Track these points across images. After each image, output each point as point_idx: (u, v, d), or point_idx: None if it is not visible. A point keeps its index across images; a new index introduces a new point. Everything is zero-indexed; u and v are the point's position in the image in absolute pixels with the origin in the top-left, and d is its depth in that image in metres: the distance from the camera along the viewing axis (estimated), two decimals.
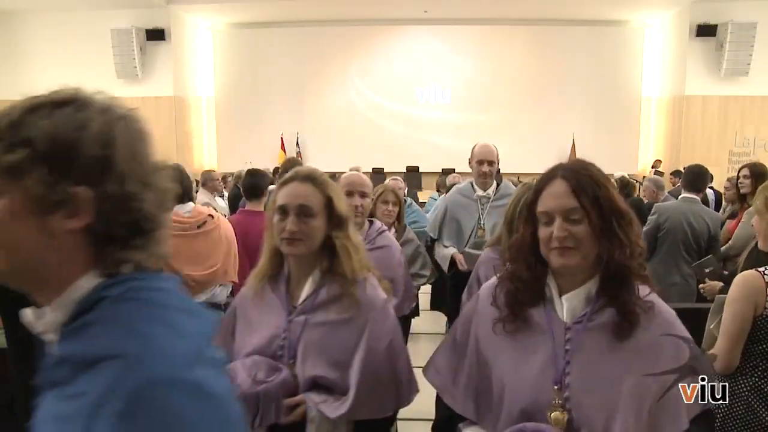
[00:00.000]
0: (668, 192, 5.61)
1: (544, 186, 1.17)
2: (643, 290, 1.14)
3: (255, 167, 4.01)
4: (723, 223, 5.19)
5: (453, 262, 3.22)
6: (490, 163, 3.21)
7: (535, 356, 1.16)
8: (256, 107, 11.74)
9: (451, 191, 3.58)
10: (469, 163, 3.30)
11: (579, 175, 1.15)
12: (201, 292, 2.83)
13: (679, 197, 4.03)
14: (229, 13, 11.20)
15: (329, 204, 1.41)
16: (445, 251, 3.30)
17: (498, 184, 3.27)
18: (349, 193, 2.27)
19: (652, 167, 10.04)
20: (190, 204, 2.93)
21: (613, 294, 1.12)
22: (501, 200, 3.12)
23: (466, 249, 3.16)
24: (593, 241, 1.10)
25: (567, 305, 1.16)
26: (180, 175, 2.96)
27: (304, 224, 1.38)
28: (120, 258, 0.66)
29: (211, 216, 2.91)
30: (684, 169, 4.53)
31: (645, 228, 3.98)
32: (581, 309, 1.15)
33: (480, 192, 3.24)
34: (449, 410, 1.27)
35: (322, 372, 1.36)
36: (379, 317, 1.40)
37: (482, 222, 3.17)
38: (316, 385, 1.37)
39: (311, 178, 1.44)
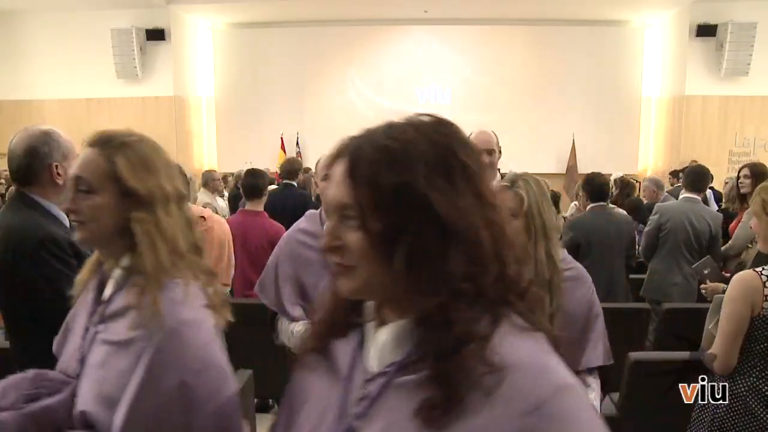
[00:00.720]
0: (667, 192, 5.62)
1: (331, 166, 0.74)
2: (499, 340, 0.66)
3: (255, 167, 4.01)
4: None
5: None
6: (490, 152, 2.71)
7: (322, 418, 0.75)
8: (256, 107, 11.73)
9: None
10: None
11: (369, 148, 0.68)
12: None
13: (680, 197, 4.03)
14: (229, 13, 11.19)
15: (115, 175, 1.06)
16: None
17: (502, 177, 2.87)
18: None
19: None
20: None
21: (431, 344, 0.67)
22: None
23: None
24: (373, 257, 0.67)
25: (378, 345, 0.73)
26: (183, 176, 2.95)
27: (82, 201, 1.07)
28: None
29: (203, 218, 2.87)
30: (685, 169, 4.53)
31: (646, 228, 3.98)
32: (392, 354, 0.71)
33: None
34: None
35: (91, 407, 1.00)
36: (168, 344, 0.97)
37: None
38: (87, 423, 1.00)
39: (101, 142, 1.09)
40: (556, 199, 5.54)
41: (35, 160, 1.74)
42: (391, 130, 0.69)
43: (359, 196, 0.66)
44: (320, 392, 0.78)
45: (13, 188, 1.88)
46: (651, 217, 4.00)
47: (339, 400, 0.74)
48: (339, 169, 0.70)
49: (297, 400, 0.82)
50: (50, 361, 1.71)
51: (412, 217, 0.65)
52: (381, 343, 0.73)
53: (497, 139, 2.79)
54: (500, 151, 2.76)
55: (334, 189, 0.69)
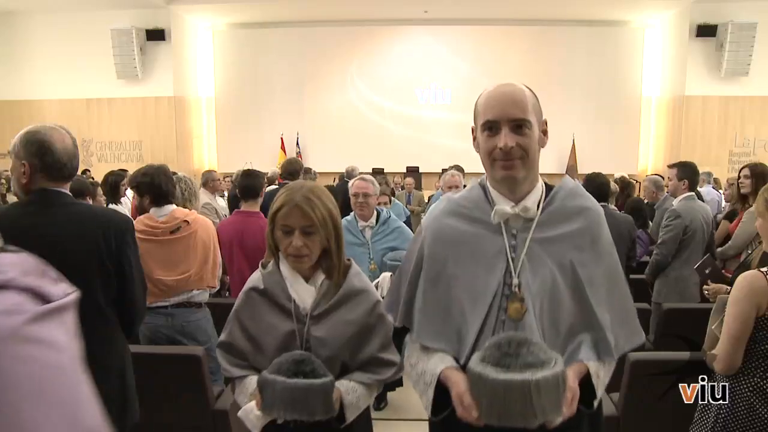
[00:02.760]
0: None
1: None
2: None
3: (254, 167, 4.01)
4: (719, 223, 5.21)
5: (445, 392, 1.26)
6: (518, 124, 1.29)
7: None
8: (256, 107, 11.74)
9: (434, 209, 1.48)
10: (474, 138, 1.39)
11: None
12: (174, 296, 2.81)
13: (681, 197, 3.93)
14: (229, 13, 11.20)
15: None
16: (427, 363, 1.34)
17: (547, 186, 1.40)
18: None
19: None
20: (169, 207, 2.85)
21: None
22: (561, 226, 1.35)
23: (475, 366, 1.19)
24: None
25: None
26: (159, 176, 2.86)
27: None
28: None
29: (187, 221, 2.82)
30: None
31: (670, 233, 3.71)
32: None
33: (504, 206, 1.34)
34: None
35: None
36: None
37: (515, 278, 1.31)
38: None
39: None
40: None
41: (78, 157, 1.85)
42: None
43: None
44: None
45: (12, 189, 1.90)
46: (671, 222, 3.70)
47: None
48: None
49: None
50: (111, 347, 1.82)
51: None
52: None
53: (534, 101, 1.33)
54: (545, 131, 1.37)
55: None
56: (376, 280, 2.90)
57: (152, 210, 2.85)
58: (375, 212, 3.26)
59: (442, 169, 8.93)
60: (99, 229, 1.76)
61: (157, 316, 2.83)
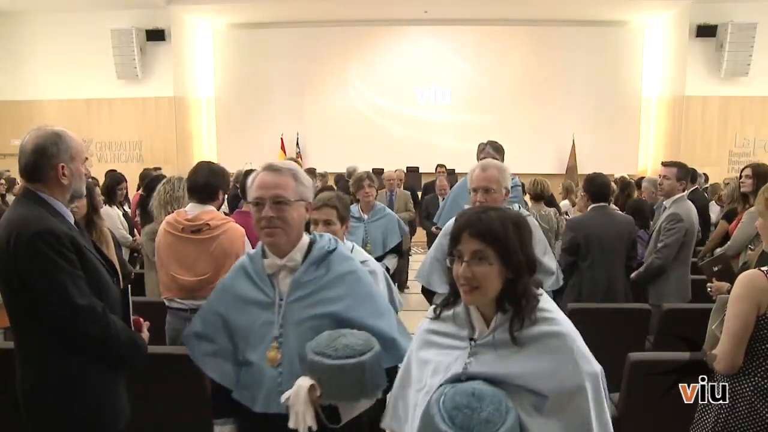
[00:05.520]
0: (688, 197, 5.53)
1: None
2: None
3: (254, 168, 3.99)
4: (717, 223, 5.19)
5: None
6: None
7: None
8: (256, 107, 11.74)
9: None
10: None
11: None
12: (193, 297, 2.73)
13: (675, 198, 3.79)
14: (229, 13, 11.20)
15: None
16: None
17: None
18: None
19: None
20: (206, 207, 2.80)
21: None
22: None
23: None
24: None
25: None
26: (203, 174, 2.82)
27: None
28: None
29: (209, 224, 2.74)
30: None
31: (673, 237, 3.67)
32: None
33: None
34: None
35: None
36: None
37: None
38: None
39: None
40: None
41: (43, 159, 1.76)
42: None
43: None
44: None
45: (12, 189, 1.90)
46: (674, 226, 3.66)
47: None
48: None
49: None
50: (44, 359, 1.71)
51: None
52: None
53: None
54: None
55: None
56: (287, 393, 1.55)
57: (189, 206, 2.83)
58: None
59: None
60: (5, 237, 1.69)
61: (177, 318, 2.77)
